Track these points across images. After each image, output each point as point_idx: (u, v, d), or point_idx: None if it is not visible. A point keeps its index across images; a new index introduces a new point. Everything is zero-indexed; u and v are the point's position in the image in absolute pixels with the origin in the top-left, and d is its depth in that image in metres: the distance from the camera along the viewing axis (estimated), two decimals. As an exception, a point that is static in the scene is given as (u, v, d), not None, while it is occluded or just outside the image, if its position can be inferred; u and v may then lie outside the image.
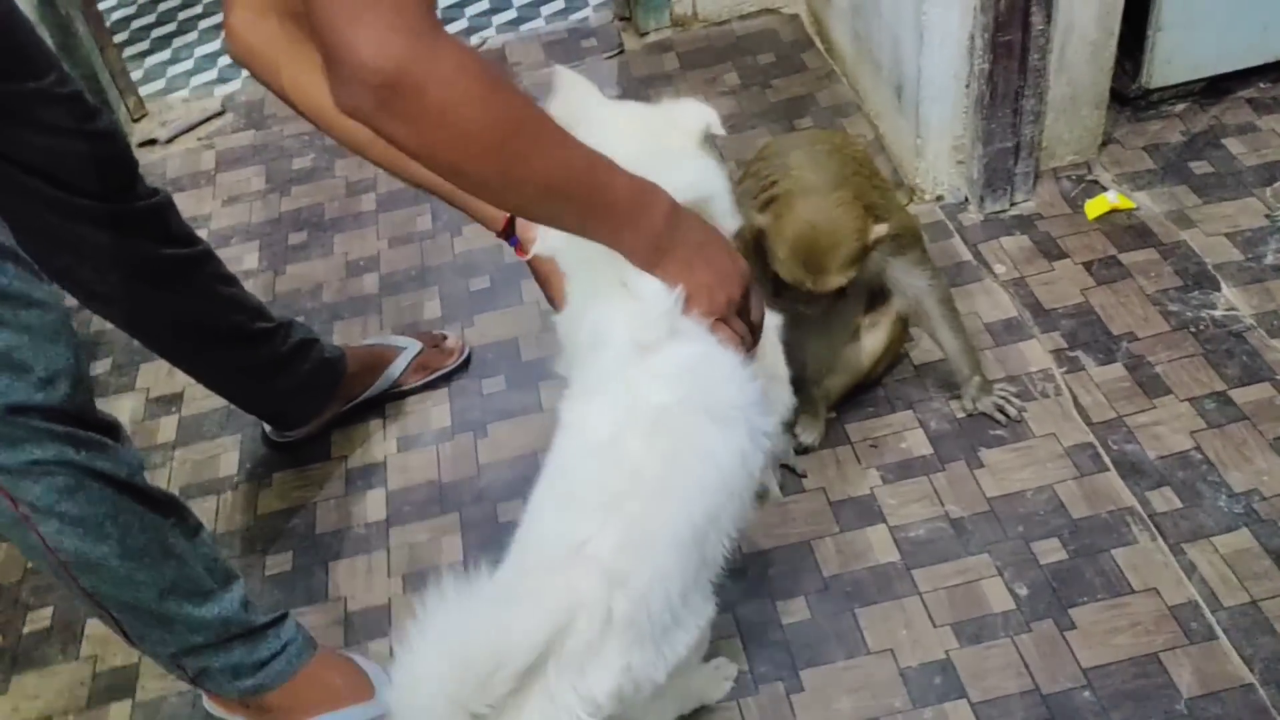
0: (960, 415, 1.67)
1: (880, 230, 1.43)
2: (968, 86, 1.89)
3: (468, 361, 1.90)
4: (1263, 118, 2.07)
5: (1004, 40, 1.80)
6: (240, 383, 1.68)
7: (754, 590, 1.49)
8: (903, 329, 1.68)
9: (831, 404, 1.68)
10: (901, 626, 1.43)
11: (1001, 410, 1.64)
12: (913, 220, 1.60)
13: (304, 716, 1.39)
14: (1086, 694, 1.33)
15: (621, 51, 2.60)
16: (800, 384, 1.70)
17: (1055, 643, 1.38)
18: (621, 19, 2.69)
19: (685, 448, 1.03)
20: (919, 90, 1.92)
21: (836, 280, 1.43)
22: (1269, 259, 1.81)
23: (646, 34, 2.62)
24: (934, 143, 1.97)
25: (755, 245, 1.45)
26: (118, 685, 1.53)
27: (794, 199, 1.43)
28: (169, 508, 1.27)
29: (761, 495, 1.60)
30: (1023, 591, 1.44)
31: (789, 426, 1.64)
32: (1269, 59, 2.07)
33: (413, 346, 1.86)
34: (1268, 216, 1.88)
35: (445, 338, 1.90)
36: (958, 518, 1.54)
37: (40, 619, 1.63)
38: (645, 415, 1.02)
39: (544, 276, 1.15)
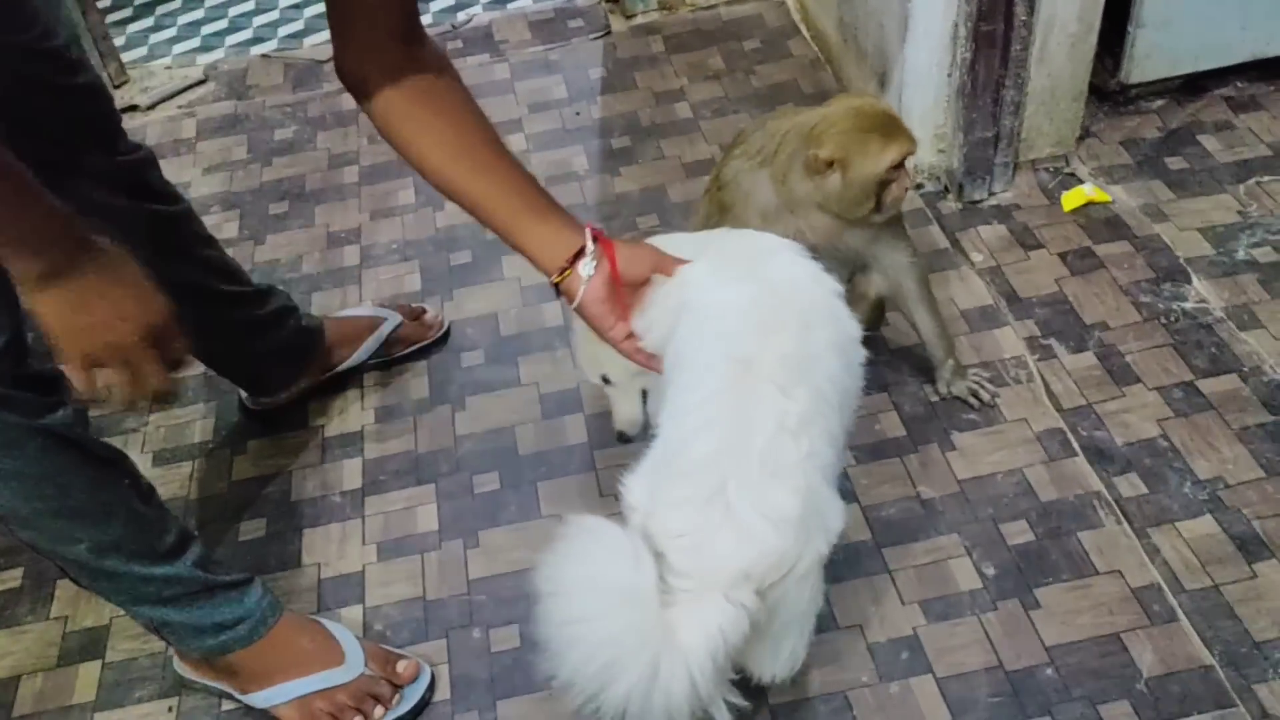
0: (934, 399, 1.69)
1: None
2: (950, 76, 1.91)
3: (447, 335, 1.90)
4: (1239, 116, 2.10)
5: (986, 30, 1.81)
6: (215, 344, 1.66)
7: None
8: (879, 313, 1.69)
9: (807, 385, 1.69)
10: (870, 603, 1.44)
11: (975, 395, 1.66)
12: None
13: (273, 679, 1.39)
14: (1049, 671, 1.35)
15: (608, 33, 2.60)
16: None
17: (1020, 621, 1.40)
18: (609, 0, 2.70)
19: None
20: (902, 78, 1.94)
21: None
22: (1240, 254, 1.84)
23: (633, 16, 2.63)
24: (915, 131, 1.94)
25: (849, 183, 1.47)
26: (88, 645, 1.52)
27: (833, 113, 1.46)
28: (114, 466, 1.26)
29: None
30: (990, 571, 1.46)
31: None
32: (1247, 58, 2.10)
33: (392, 319, 1.86)
34: (1240, 213, 1.91)
35: (425, 311, 1.90)
36: (929, 498, 1.56)
37: (10, 579, 1.62)
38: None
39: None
